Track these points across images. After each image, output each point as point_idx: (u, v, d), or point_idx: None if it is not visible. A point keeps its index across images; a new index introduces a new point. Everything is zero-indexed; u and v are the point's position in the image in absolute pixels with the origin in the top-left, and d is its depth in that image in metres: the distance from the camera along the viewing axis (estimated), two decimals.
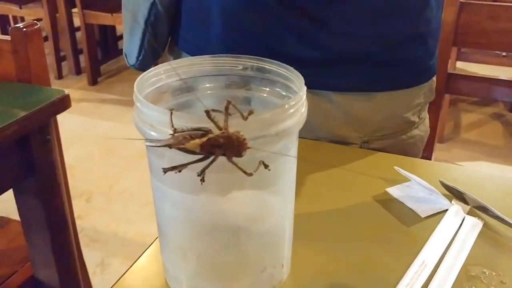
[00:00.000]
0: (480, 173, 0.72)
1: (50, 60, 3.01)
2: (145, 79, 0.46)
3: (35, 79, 0.89)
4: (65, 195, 0.93)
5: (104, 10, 2.83)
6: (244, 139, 0.37)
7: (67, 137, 1.79)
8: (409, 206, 0.61)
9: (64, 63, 3.17)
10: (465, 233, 0.56)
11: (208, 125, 0.37)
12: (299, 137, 0.46)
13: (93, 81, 3.08)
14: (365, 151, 0.74)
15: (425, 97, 0.78)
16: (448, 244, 0.54)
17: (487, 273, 0.51)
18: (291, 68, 0.47)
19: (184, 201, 0.44)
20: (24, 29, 0.86)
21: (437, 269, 0.51)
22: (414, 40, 0.73)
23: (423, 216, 0.59)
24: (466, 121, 2.64)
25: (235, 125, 0.37)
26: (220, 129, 0.37)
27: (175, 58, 0.83)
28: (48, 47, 2.99)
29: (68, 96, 0.84)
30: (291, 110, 0.41)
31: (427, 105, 0.81)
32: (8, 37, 0.87)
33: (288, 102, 0.41)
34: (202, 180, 0.38)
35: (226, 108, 0.38)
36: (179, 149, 0.37)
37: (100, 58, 3.24)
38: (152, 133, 0.40)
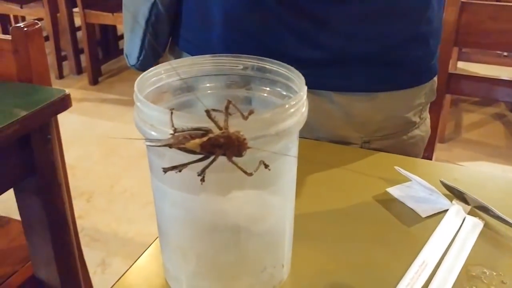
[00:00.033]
0: (481, 173, 0.72)
1: (51, 59, 3.01)
2: (146, 78, 0.46)
3: (36, 79, 0.89)
4: (66, 194, 0.93)
5: (105, 10, 2.84)
6: (244, 139, 0.37)
7: (68, 137, 1.79)
8: (409, 206, 0.61)
9: (65, 63, 3.17)
10: (466, 233, 0.56)
11: (209, 124, 0.37)
12: (300, 137, 0.46)
13: (94, 81, 3.08)
14: (366, 151, 0.74)
15: (426, 97, 0.78)
16: (449, 244, 0.54)
17: (487, 273, 0.51)
18: (292, 68, 0.47)
19: (184, 200, 0.44)
20: (25, 29, 0.86)
21: (437, 269, 0.51)
22: (415, 40, 0.73)
23: (423, 216, 0.59)
24: (467, 121, 2.63)
25: (235, 125, 0.37)
26: (220, 128, 0.37)
27: (175, 58, 0.83)
28: (49, 47, 2.99)
29: (68, 95, 0.84)
30: (292, 110, 0.41)
31: (428, 105, 0.81)
32: (9, 37, 0.87)
33: (289, 102, 0.41)
34: (202, 179, 0.38)
35: (227, 108, 0.38)
36: (179, 148, 0.37)
37: (101, 57, 3.24)
38: (153, 132, 0.40)
